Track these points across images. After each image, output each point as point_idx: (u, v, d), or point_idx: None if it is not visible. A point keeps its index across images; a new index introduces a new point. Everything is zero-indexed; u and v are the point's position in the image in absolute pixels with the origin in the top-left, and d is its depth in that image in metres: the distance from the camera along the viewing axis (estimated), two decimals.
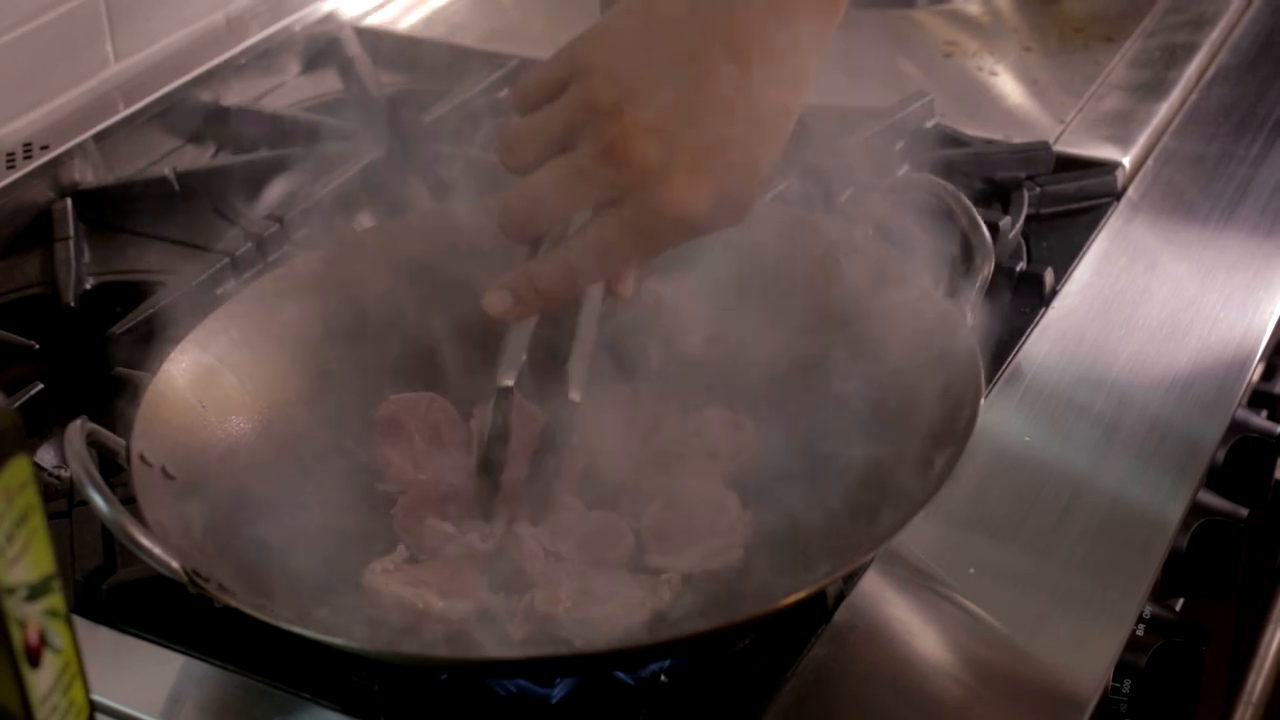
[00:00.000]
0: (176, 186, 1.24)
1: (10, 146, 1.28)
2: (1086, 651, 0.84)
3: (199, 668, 0.84)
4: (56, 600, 0.63)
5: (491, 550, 0.88)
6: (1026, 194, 1.18)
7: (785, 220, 1.00)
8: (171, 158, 1.33)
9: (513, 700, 0.82)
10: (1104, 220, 1.18)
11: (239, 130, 1.34)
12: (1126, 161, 1.23)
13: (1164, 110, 1.31)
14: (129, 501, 0.82)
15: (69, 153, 1.27)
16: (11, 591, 0.61)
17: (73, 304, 1.12)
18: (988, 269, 0.94)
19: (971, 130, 1.27)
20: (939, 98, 1.29)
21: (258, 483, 0.89)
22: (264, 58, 1.42)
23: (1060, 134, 1.28)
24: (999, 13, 1.50)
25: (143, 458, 0.85)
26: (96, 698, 0.70)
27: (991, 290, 0.96)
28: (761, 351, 0.96)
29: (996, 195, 1.19)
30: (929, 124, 1.26)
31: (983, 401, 0.86)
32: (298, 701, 0.82)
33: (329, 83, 1.43)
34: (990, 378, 1.01)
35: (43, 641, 0.63)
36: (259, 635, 0.79)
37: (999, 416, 0.99)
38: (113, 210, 1.23)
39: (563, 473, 0.91)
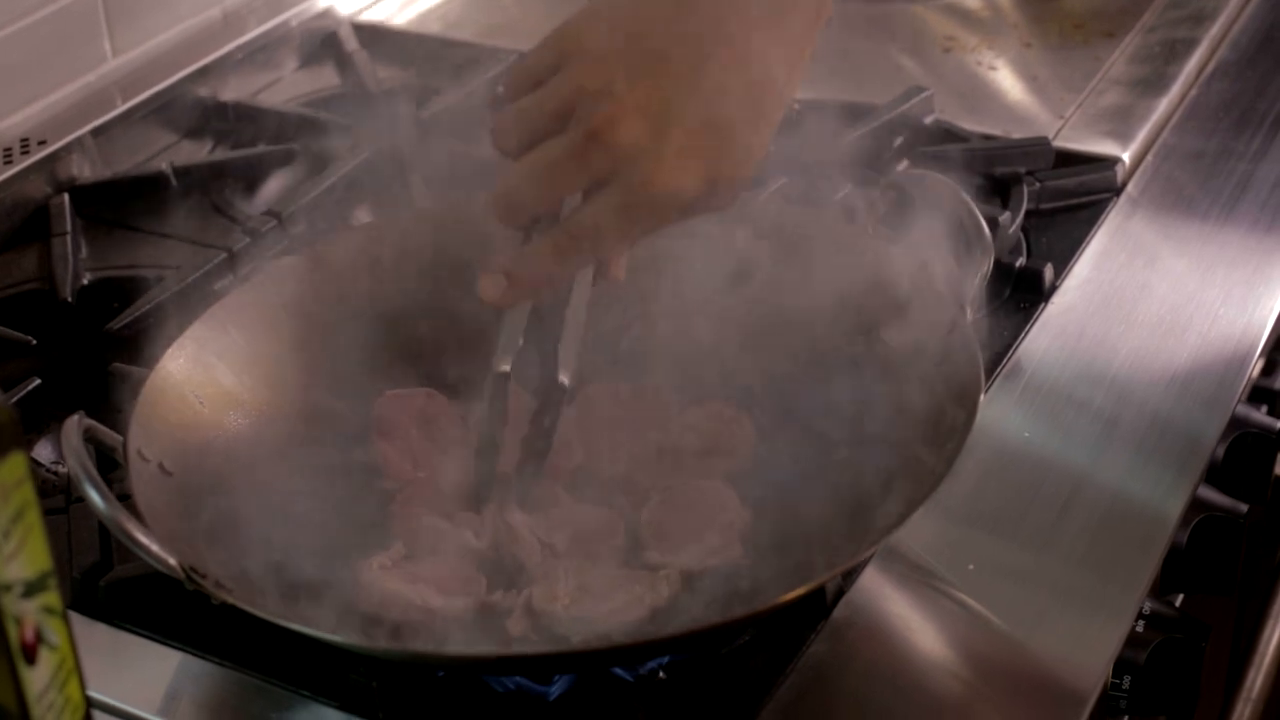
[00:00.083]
0: (174, 182, 1.24)
1: (7, 142, 1.28)
2: (1086, 647, 0.84)
3: (196, 664, 0.84)
4: (53, 597, 0.63)
5: (486, 545, 0.87)
6: (1026, 189, 1.18)
7: (783, 216, 1.00)
8: (169, 153, 1.32)
9: (511, 697, 0.81)
10: (1104, 216, 1.18)
11: (236, 126, 1.34)
12: (1126, 157, 1.23)
13: (1164, 106, 1.30)
14: (126, 498, 0.82)
15: (66, 148, 1.27)
16: (8, 588, 0.61)
17: (70, 299, 1.12)
18: (987, 264, 0.94)
19: (971, 126, 1.26)
20: (938, 93, 1.28)
21: (255, 479, 0.89)
22: (261, 53, 1.42)
23: (1060, 129, 1.28)
24: (999, 8, 1.49)
25: (140, 454, 0.85)
26: (93, 694, 0.70)
27: (991, 286, 0.96)
28: (759, 347, 0.96)
29: (996, 191, 1.19)
30: (928, 119, 1.26)
31: (982, 397, 0.86)
32: (295, 698, 0.82)
33: (326, 78, 1.43)
34: (989, 373, 1.01)
35: (39, 638, 0.63)
36: (256, 632, 0.79)
37: (998, 412, 0.98)
38: (110, 205, 1.23)
39: (554, 458, 0.91)
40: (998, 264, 0.99)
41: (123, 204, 1.23)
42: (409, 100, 1.31)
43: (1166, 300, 1.09)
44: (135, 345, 1.01)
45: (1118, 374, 1.02)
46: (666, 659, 0.82)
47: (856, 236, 0.98)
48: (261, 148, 1.29)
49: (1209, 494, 1.03)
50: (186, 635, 0.85)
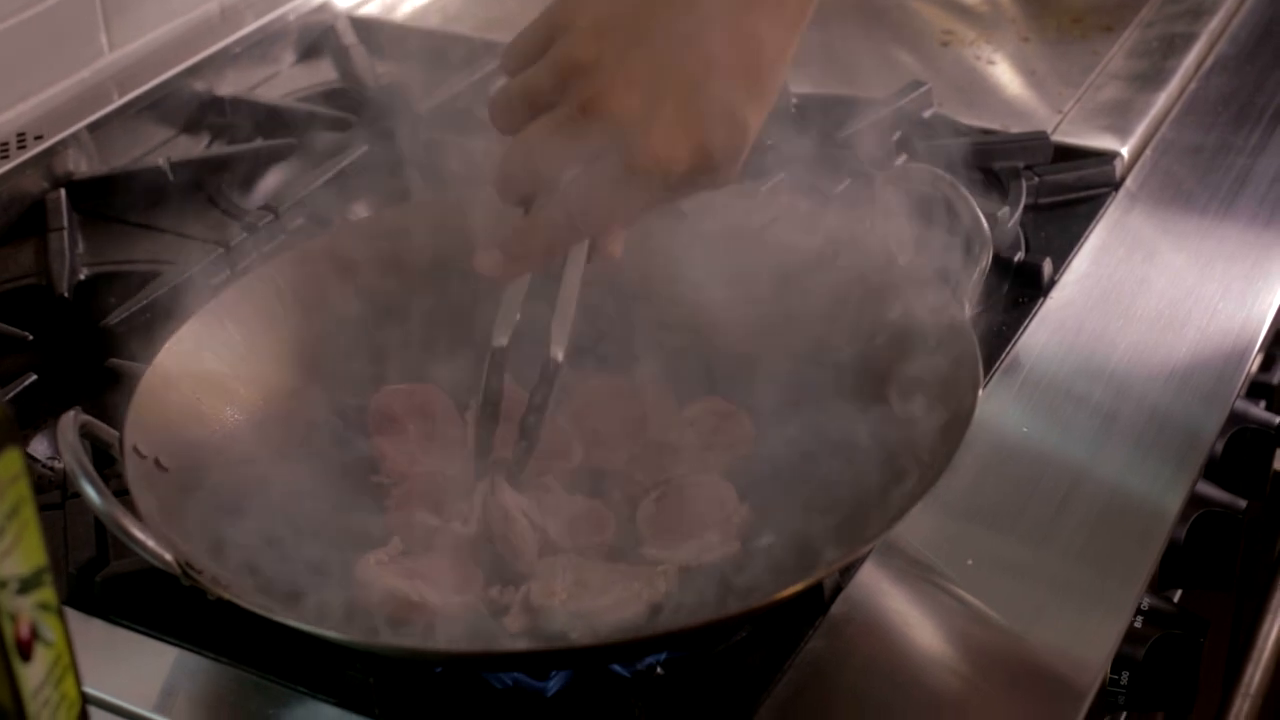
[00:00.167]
0: (171, 177, 1.24)
1: (4, 136, 1.27)
2: (1084, 643, 0.84)
3: (192, 660, 0.84)
4: (48, 593, 0.63)
5: (474, 533, 0.87)
6: (1025, 184, 1.17)
7: (781, 210, 1.00)
8: (166, 148, 1.32)
9: (508, 693, 0.81)
10: (1102, 210, 1.18)
11: (233, 120, 1.34)
12: (1125, 151, 1.23)
13: (1162, 100, 1.30)
14: (122, 493, 0.82)
15: (63, 143, 1.27)
16: (3, 584, 0.60)
17: (66, 295, 1.12)
18: (986, 259, 0.94)
19: (969, 120, 1.26)
20: (937, 87, 1.28)
21: (251, 475, 0.89)
22: (258, 47, 1.42)
23: (1058, 124, 1.28)
24: (997, 2, 1.49)
25: (136, 450, 0.84)
26: (89, 690, 0.70)
27: (989, 280, 0.95)
28: (759, 344, 0.96)
29: (994, 185, 1.18)
30: (927, 114, 1.26)
31: (981, 392, 0.86)
32: (292, 694, 0.82)
33: (324, 72, 1.42)
34: (988, 368, 1.01)
35: (34, 635, 0.62)
36: (253, 628, 0.79)
37: (997, 407, 0.98)
38: (107, 201, 1.23)
39: (554, 458, 0.91)
40: (996, 258, 0.98)
41: (120, 199, 1.22)
42: (407, 95, 1.31)
43: (1165, 295, 1.09)
44: (132, 340, 1.01)
45: (1116, 369, 1.02)
46: (664, 655, 0.82)
47: (855, 231, 0.98)
48: (259, 142, 1.29)
49: (1207, 489, 1.03)
50: (183, 631, 0.85)
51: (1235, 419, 1.04)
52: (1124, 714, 0.98)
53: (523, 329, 0.89)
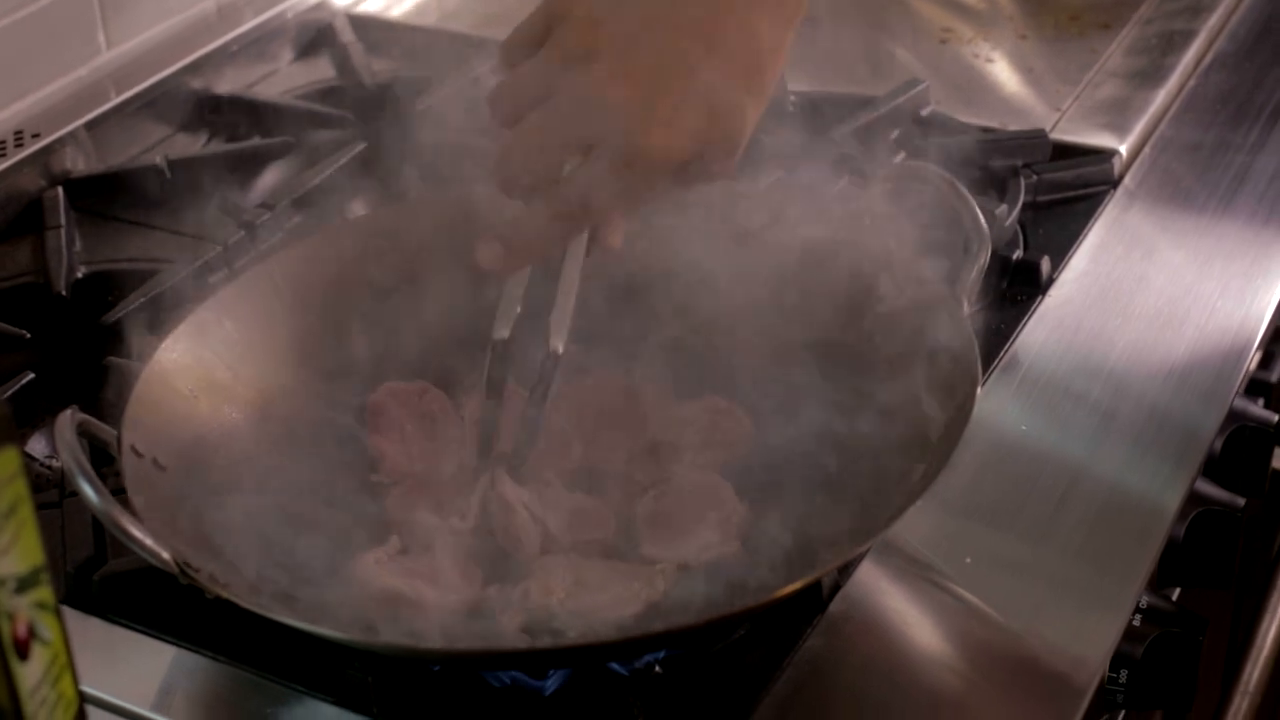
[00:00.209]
0: (168, 175, 1.24)
1: (1, 134, 1.27)
2: (1083, 641, 0.84)
3: (190, 659, 0.84)
4: (45, 592, 0.63)
5: (472, 529, 0.87)
6: (1023, 182, 1.17)
7: (779, 208, 1.00)
8: (163, 146, 1.32)
9: (506, 692, 0.81)
10: (1101, 208, 1.18)
11: (231, 118, 1.34)
12: (1123, 149, 1.23)
13: (1161, 98, 1.30)
14: (120, 492, 0.81)
15: (60, 141, 1.27)
16: (0, 584, 0.60)
17: (64, 293, 1.12)
18: (984, 257, 0.94)
19: (967, 118, 1.26)
20: (934, 85, 1.28)
21: (249, 473, 0.89)
22: (256, 45, 1.42)
23: (1057, 121, 1.28)
24: (995, 0, 1.49)
25: (134, 448, 0.84)
26: (87, 689, 0.70)
27: (988, 278, 0.95)
28: (755, 340, 0.96)
29: (993, 183, 1.18)
30: (924, 111, 1.26)
31: (979, 390, 0.86)
32: (290, 693, 0.82)
33: (321, 70, 1.42)
34: (987, 366, 1.01)
35: (32, 634, 0.62)
36: (251, 626, 0.79)
37: (995, 405, 0.98)
38: (104, 199, 1.23)
39: (553, 457, 0.91)
40: (995, 256, 0.98)
41: (117, 197, 1.22)
42: (405, 92, 1.31)
43: (1164, 293, 1.09)
44: (130, 339, 1.01)
45: (1115, 367, 1.02)
46: (662, 653, 0.81)
47: (853, 229, 0.98)
48: (256, 140, 1.29)
49: (1206, 487, 1.03)
50: (181, 630, 0.85)
51: (1234, 417, 1.04)
52: (1122, 712, 0.97)
53: (521, 323, 0.89)
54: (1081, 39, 1.41)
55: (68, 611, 0.67)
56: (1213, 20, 1.41)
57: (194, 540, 0.82)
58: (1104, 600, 0.86)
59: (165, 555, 0.78)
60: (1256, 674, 1.13)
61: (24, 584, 0.62)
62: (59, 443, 0.81)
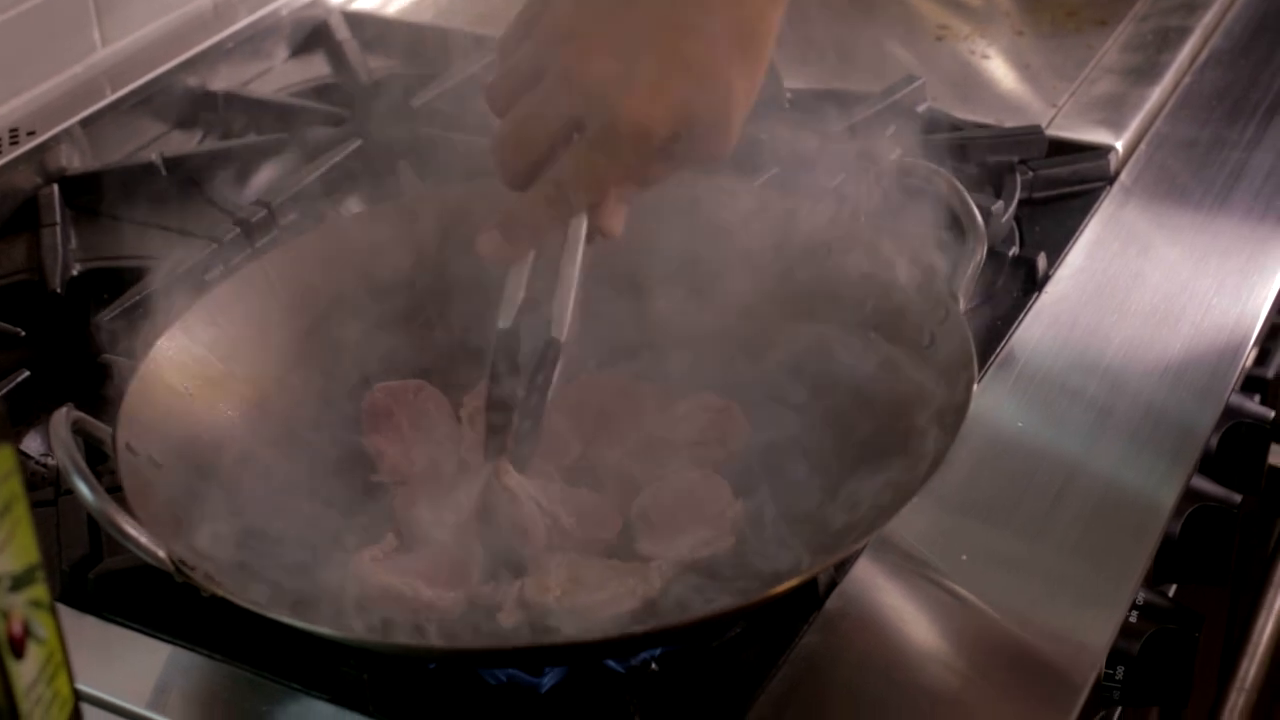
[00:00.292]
0: (164, 172, 1.24)
1: None
2: (1079, 637, 0.84)
3: (186, 657, 0.84)
4: (40, 591, 0.63)
5: (470, 522, 0.87)
6: (1019, 178, 1.17)
7: (777, 206, 1.00)
8: (159, 143, 1.32)
9: (502, 689, 0.81)
10: (1097, 205, 1.18)
11: (226, 115, 1.34)
12: (1119, 146, 1.23)
13: (1157, 94, 1.30)
14: (115, 490, 0.81)
15: (56, 138, 1.26)
16: None
17: (59, 290, 1.12)
18: (980, 254, 0.94)
19: (963, 114, 1.26)
20: (931, 81, 1.28)
21: (245, 471, 0.89)
22: (251, 42, 1.42)
23: (1053, 118, 1.28)
24: None
25: (129, 446, 0.84)
26: (82, 688, 0.70)
27: (984, 275, 0.95)
28: (751, 338, 0.96)
29: (989, 180, 1.18)
30: (921, 108, 1.26)
31: (975, 387, 0.85)
32: (286, 691, 0.82)
33: (317, 67, 1.42)
34: (983, 362, 1.01)
35: (27, 632, 0.62)
36: (246, 624, 0.79)
37: (991, 402, 0.98)
38: (100, 196, 1.22)
39: (551, 453, 0.90)
40: (991, 253, 0.98)
41: (113, 194, 1.22)
42: (400, 89, 1.30)
43: (1160, 289, 1.09)
44: (125, 336, 1.01)
45: (1111, 363, 1.02)
46: (659, 651, 0.81)
47: (849, 226, 0.98)
48: (252, 138, 1.29)
49: (1202, 484, 1.02)
50: (176, 628, 0.85)
51: (1230, 413, 1.04)
52: (1119, 709, 0.97)
53: (523, 314, 0.89)
54: (1078, 35, 1.41)
55: (63, 609, 0.67)
56: (1208, 17, 1.41)
57: (189, 538, 0.82)
58: (1100, 596, 0.86)
59: (160, 553, 0.78)
60: (1253, 670, 1.13)
61: (19, 582, 0.61)
62: (54, 440, 0.81)
